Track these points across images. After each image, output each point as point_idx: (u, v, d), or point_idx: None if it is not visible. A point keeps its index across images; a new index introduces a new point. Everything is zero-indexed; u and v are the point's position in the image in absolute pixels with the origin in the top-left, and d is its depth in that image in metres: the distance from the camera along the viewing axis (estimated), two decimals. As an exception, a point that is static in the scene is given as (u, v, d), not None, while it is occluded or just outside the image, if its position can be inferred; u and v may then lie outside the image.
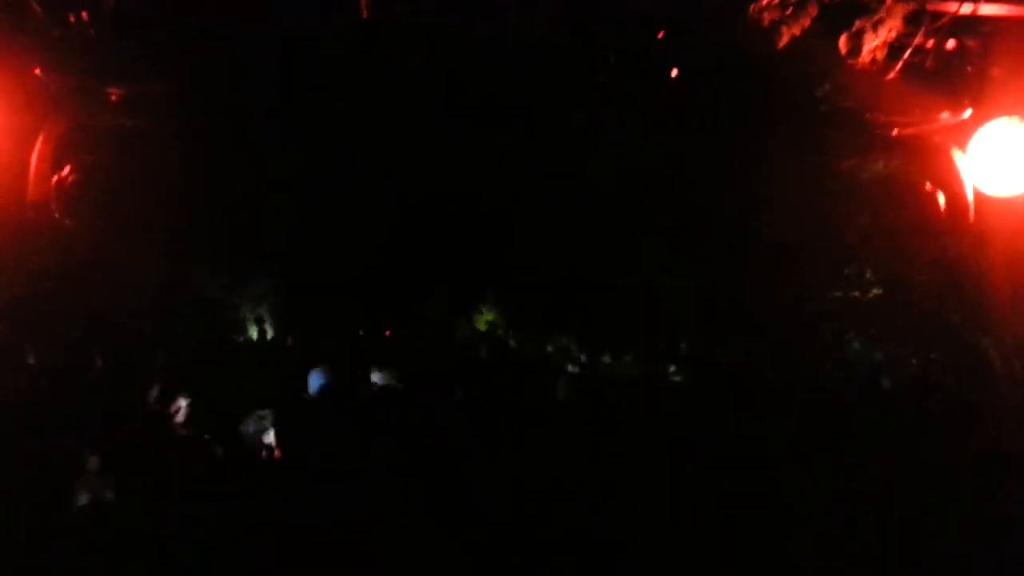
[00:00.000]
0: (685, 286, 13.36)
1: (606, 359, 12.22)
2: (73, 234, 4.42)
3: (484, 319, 18.19)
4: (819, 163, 6.81)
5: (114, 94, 4.37)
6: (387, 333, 12.12)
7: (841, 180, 6.97)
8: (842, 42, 3.96)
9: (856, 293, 11.24)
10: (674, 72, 5.30)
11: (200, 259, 14.39)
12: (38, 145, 4.09)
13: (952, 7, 4.18)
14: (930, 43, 4.49)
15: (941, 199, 5.83)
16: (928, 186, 5.64)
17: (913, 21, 3.96)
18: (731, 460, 6.09)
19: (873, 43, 3.81)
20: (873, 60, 3.91)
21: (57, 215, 4.23)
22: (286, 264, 16.87)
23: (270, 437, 5.08)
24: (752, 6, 3.96)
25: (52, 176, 4.16)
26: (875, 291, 11.04)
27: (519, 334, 15.85)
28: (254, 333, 15.82)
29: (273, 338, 14.14)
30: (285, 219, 15.45)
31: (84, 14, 4.04)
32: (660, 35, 5.22)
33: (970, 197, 5.42)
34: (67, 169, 4.26)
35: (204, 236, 11.89)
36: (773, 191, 9.21)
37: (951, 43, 4.77)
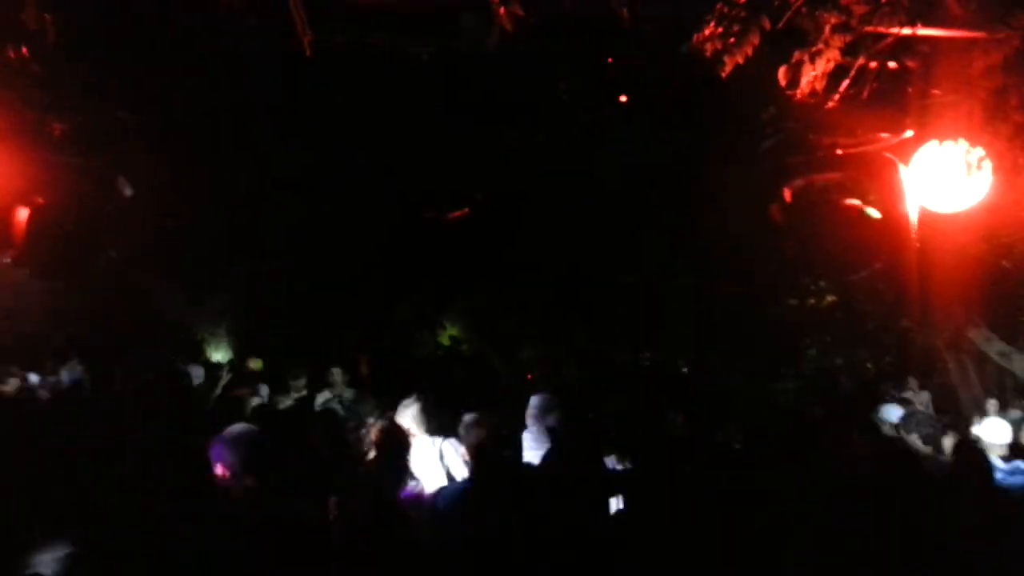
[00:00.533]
0: (641, 295, 13.47)
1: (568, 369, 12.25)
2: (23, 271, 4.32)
3: (448, 334, 18.12)
4: (770, 180, 6.92)
5: (57, 128, 4.30)
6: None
7: (793, 195, 7.09)
8: (781, 73, 4.02)
9: (812, 301, 11.44)
10: (623, 98, 5.35)
11: (155, 279, 14.12)
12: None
13: (893, 29, 4.26)
14: (872, 64, 4.59)
15: (884, 211, 5.98)
16: (872, 200, 5.77)
17: (851, 51, 4.04)
18: (688, 465, 6.15)
19: (811, 74, 3.88)
20: (812, 91, 3.98)
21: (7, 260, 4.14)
22: (243, 282, 16.65)
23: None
24: (695, 35, 4.01)
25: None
26: (829, 299, 11.25)
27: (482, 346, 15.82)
28: (213, 355, 15.53)
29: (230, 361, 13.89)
30: (242, 236, 15.26)
31: (24, 49, 3.96)
32: (609, 60, 5.27)
33: (913, 213, 5.56)
34: (15, 212, 4.16)
35: (159, 257, 11.71)
36: (728, 204, 9.36)
37: (892, 64, 4.89)
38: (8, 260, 3.92)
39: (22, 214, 4.03)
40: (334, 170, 15.13)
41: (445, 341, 17.51)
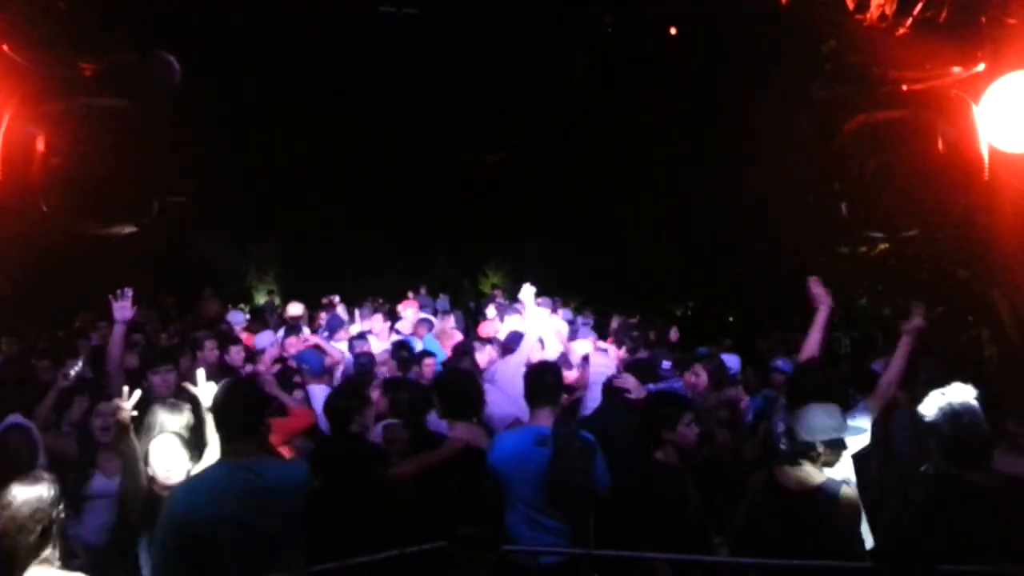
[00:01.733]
0: (688, 241, 13.18)
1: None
2: (53, 215, 4.25)
3: (489, 281, 18.10)
4: (825, 119, 6.58)
5: (88, 69, 4.18)
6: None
7: (849, 135, 6.74)
8: (850, -4, 3.73)
9: (863, 249, 11.06)
10: (673, 30, 5.05)
11: (200, 228, 14.26)
12: (5, 123, 3.90)
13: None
14: (944, -10, 4.26)
15: (952, 153, 5.63)
16: (939, 142, 5.42)
17: (926, -30, 3.71)
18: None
19: (882, -3, 3.59)
20: (882, 16, 3.68)
21: (35, 198, 4.06)
22: (289, 232, 16.82)
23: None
24: (753, -41, 3.73)
25: (25, 157, 3.99)
26: (882, 247, 10.86)
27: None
28: (261, 300, 15.79)
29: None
30: (287, 186, 15.34)
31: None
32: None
33: (983, 153, 5.22)
34: (41, 150, 4.07)
35: (202, 206, 11.74)
36: (776, 145, 9.01)
37: (965, -8, 4.53)
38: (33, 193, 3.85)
39: (46, 150, 3.94)
40: (375, 119, 15.06)
41: (487, 289, 17.47)
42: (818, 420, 3.73)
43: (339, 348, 7.83)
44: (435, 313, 10.89)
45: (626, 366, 6.63)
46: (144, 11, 4.70)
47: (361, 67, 11.96)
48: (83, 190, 4.20)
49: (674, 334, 10.15)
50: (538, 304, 7.41)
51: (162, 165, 4.92)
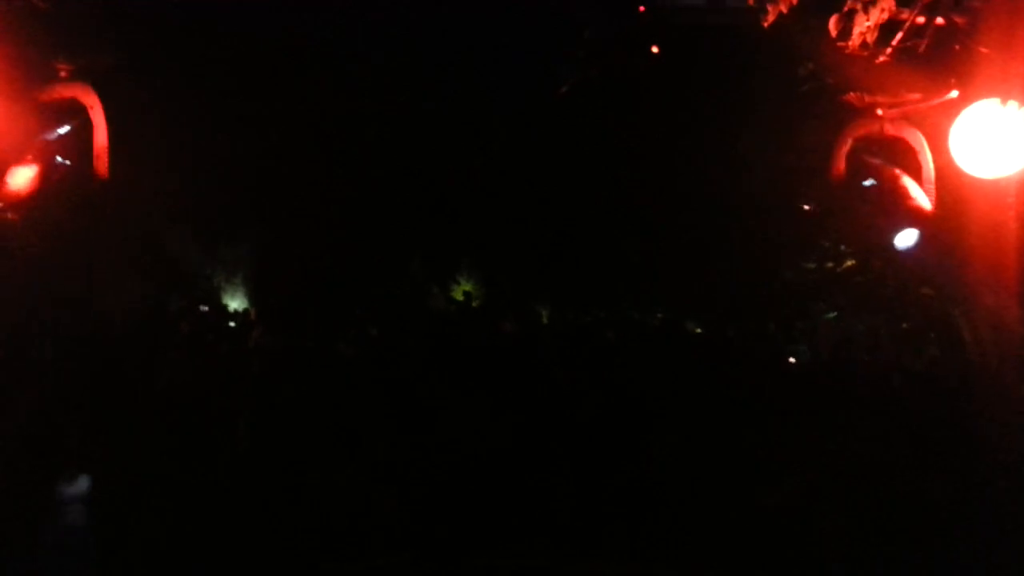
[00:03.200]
0: (654, 251, 13.29)
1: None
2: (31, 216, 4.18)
3: (462, 288, 18.01)
4: (798, 137, 6.71)
5: (63, 69, 4.11)
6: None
7: (820, 154, 6.87)
8: (832, 23, 3.80)
9: (830, 264, 11.24)
10: (654, 48, 5.11)
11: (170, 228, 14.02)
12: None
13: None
14: (920, 20, 4.35)
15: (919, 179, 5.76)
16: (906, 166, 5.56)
17: (906, 2, 3.80)
18: (698, 424, 6.09)
19: (864, 25, 3.66)
20: (863, 43, 3.76)
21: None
22: (259, 231, 16.61)
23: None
24: (739, -17, 3.79)
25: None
26: (848, 263, 11.04)
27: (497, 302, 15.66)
28: (230, 303, 15.54)
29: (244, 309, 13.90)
30: (258, 186, 15.19)
31: (27, -18, 3.77)
32: (641, 8, 5.03)
33: (951, 176, 5.35)
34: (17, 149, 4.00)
35: (171, 204, 11.58)
36: (749, 160, 9.12)
37: (939, 20, 4.64)
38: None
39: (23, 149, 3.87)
40: (348, 121, 14.97)
41: (458, 296, 17.38)
42: None
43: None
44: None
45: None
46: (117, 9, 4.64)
47: (337, 65, 11.88)
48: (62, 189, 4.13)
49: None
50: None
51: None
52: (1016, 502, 4.13)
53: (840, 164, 6.90)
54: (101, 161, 4.16)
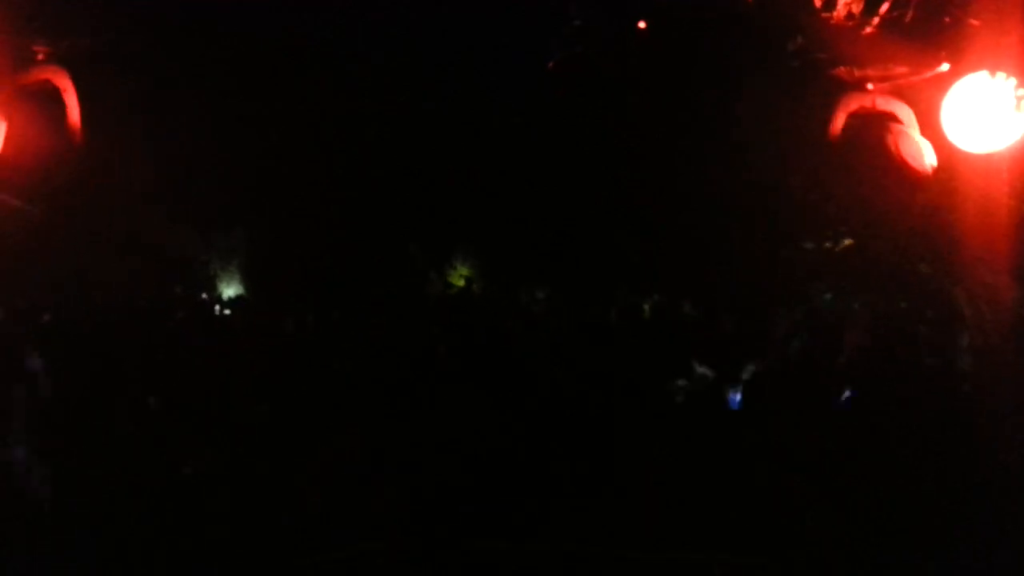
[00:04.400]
0: (655, 237, 13.23)
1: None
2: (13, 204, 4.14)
3: (459, 273, 18.00)
4: (790, 115, 6.64)
5: (40, 51, 4.06)
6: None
7: (813, 131, 6.81)
8: (816, -7, 3.74)
9: (828, 244, 11.18)
10: (642, 24, 5.05)
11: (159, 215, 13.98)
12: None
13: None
14: (909, -9, 4.30)
15: (913, 152, 5.70)
16: (901, 140, 5.49)
17: (893, -29, 3.74)
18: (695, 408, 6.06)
19: (849, -6, 3.60)
20: (849, 14, 3.70)
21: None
22: (255, 218, 16.59)
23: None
24: (724, -44, 3.72)
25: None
26: (846, 242, 10.99)
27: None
28: (225, 291, 15.55)
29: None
30: (253, 173, 15.15)
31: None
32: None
33: (943, 151, 5.30)
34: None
35: (159, 191, 11.54)
36: (743, 139, 9.04)
37: (929, -8, 4.58)
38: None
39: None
40: (345, 104, 14.92)
41: (457, 281, 17.36)
42: None
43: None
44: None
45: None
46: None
47: (333, 57, 11.85)
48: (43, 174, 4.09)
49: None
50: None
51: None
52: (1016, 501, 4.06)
53: (833, 140, 6.86)
54: (73, 145, 4.12)
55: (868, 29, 3.99)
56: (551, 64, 9.00)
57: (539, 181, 15.53)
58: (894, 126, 5.80)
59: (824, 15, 3.73)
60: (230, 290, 15.53)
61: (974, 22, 4.47)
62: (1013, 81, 4.38)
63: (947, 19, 4.46)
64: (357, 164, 16.37)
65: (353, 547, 3.41)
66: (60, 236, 8.68)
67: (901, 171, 5.94)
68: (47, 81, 4.07)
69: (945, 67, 4.63)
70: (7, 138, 3.95)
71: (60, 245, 9.09)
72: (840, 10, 3.68)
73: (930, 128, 4.96)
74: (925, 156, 5.43)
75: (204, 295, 13.88)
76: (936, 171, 5.66)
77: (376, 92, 14.47)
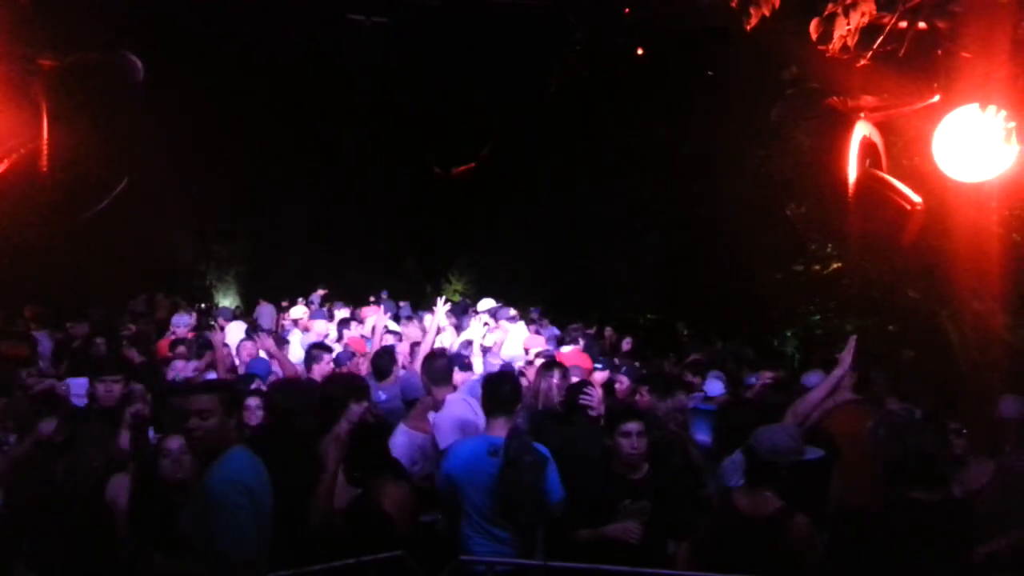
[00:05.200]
0: (644, 254, 13.31)
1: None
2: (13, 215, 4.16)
3: (453, 288, 18.08)
4: (781, 140, 6.74)
5: (47, 65, 4.11)
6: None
7: (803, 157, 6.90)
8: (813, 27, 3.82)
9: (817, 267, 11.27)
10: (639, 50, 5.12)
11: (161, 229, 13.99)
12: None
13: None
14: (902, 24, 4.38)
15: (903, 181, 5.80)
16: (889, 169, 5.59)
17: (887, 5, 3.83)
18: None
19: (844, 28, 3.68)
20: (844, 47, 3.78)
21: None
22: (257, 232, 16.67)
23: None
24: (721, -14, 3.81)
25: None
26: (835, 265, 11.08)
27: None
28: (221, 300, 15.58)
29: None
30: (254, 187, 15.22)
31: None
32: (627, 11, 5.05)
33: (934, 180, 5.39)
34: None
35: (160, 204, 11.56)
36: (739, 164, 9.13)
37: (922, 25, 4.68)
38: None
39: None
40: (349, 125, 15.01)
41: (451, 295, 17.43)
42: (782, 441, 3.64)
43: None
44: (397, 319, 10.87)
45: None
46: (113, 12, 4.64)
47: (332, 72, 11.91)
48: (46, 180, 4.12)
49: (626, 344, 10.17)
50: (509, 318, 7.55)
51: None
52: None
53: (825, 167, 6.96)
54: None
55: (862, 61, 4.07)
56: (552, 90, 9.12)
57: (536, 199, 15.61)
58: (885, 155, 5.91)
59: (820, 47, 3.80)
60: (226, 300, 15.56)
61: (965, 55, 4.57)
62: (1003, 113, 4.47)
63: (939, 52, 4.56)
64: (358, 179, 16.46)
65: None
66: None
67: (891, 199, 6.04)
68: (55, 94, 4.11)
69: (936, 99, 4.72)
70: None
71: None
72: (836, 42, 3.75)
73: (921, 158, 5.05)
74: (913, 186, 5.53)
75: (202, 305, 13.89)
76: (927, 200, 5.75)
77: (378, 105, 14.54)
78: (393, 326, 8.98)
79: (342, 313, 10.12)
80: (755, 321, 11.66)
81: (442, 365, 5.03)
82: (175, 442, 3.67)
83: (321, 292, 12.76)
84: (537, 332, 9.01)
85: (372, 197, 16.51)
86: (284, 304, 11.97)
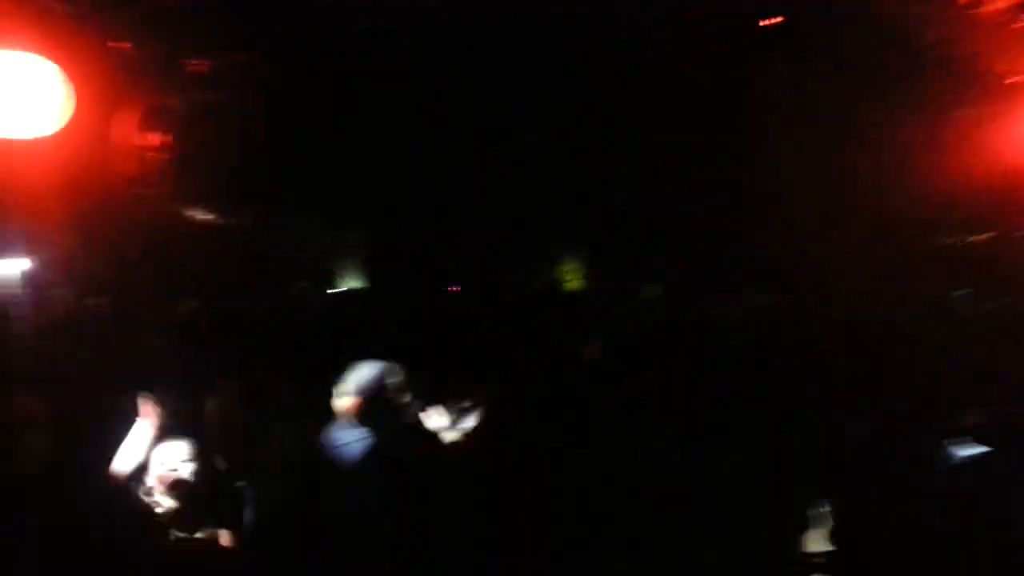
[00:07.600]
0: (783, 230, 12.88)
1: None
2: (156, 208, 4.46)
3: (563, 268, 18.00)
4: (922, 110, 6.36)
5: (193, 66, 4.35)
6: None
7: (947, 127, 6.51)
8: (961, -15, 3.55)
9: (966, 240, 10.75)
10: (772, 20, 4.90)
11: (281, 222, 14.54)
12: (118, 119, 4.10)
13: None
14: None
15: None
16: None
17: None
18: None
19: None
20: (1000, 10, 3.50)
21: (139, 189, 4.27)
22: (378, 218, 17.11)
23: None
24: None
25: (134, 150, 4.19)
26: (977, 238, 10.52)
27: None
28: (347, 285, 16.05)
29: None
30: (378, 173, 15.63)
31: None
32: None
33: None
34: (149, 143, 4.27)
35: (288, 203, 12.11)
36: (874, 135, 8.74)
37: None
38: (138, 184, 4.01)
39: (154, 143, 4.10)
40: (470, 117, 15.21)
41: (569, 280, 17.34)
42: None
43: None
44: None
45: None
46: (246, 12, 4.84)
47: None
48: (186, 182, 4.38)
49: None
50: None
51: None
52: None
53: (969, 139, 6.54)
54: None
55: (1018, 24, 3.76)
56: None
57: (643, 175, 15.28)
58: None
59: (970, 10, 3.53)
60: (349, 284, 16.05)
61: None
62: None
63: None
64: (466, 164, 16.65)
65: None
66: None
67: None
68: (201, 96, 4.35)
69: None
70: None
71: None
72: (987, 4, 3.48)
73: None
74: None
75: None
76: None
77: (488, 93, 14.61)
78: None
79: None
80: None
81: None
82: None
83: None
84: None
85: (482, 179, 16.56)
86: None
